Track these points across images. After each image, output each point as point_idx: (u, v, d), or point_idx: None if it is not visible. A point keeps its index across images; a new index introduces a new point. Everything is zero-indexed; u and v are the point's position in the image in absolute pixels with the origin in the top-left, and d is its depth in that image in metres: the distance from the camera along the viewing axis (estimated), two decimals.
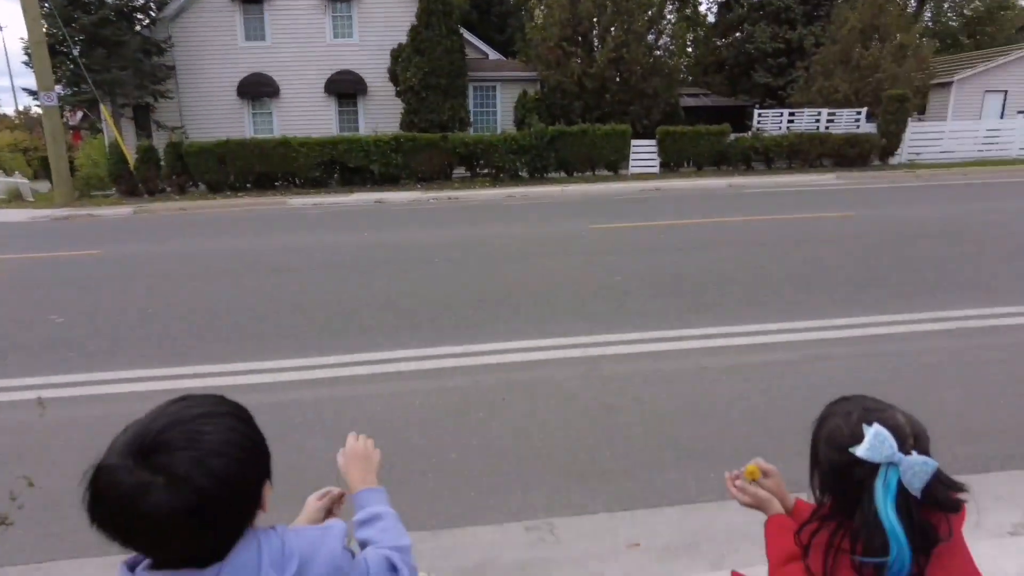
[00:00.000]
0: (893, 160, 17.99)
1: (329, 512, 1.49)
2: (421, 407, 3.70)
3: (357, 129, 19.67)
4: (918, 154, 18.32)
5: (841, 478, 1.23)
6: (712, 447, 3.18)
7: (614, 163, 16.86)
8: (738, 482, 1.62)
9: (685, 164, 17.48)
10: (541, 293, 5.97)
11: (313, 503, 1.48)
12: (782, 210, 10.59)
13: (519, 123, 17.42)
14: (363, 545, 1.27)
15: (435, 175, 16.01)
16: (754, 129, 18.85)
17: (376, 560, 1.18)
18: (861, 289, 5.77)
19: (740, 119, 21.61)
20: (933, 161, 18.06)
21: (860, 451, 1.18)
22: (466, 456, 3.18)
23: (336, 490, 1.50)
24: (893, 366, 4.07)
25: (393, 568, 1.19)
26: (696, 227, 9.32)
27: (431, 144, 15.65)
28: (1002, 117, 20.93)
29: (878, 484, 1.17)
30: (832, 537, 1.26)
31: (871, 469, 1.18)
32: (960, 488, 1.22)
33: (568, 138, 16.15)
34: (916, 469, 1.16)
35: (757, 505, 1.58)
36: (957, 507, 1.23)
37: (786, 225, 9.22)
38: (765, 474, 1.65)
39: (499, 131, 17.36)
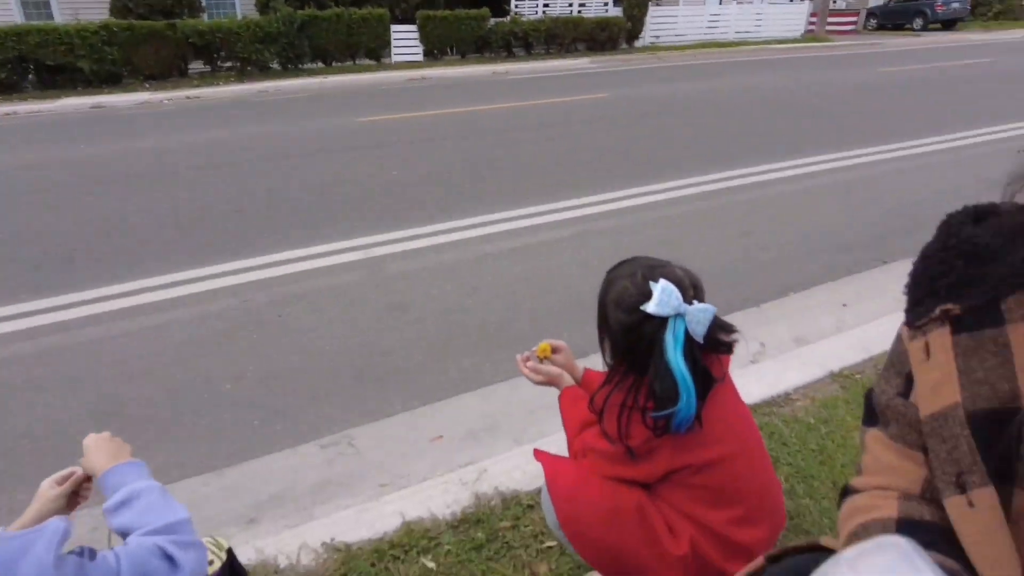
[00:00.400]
0: (638, 43, 19.34)
1: (75, 500, 1.16)
2: (183, 340, 3.23)
3: (51, 17, 15.86)
4: (658, 37, 19.89)
5: (632, 337, 1.25)
6: (501, 328, 3.23)
7: (375, 51, 15.83)
8: (529, 363, 1.60)
9: (448, 51, 17.03)
10: (311, 196, 5.49)
11: (49, 490, 1.11)
12: (543, 94, 10.89)
13: (263, 7, 15.35)
14: (124, 535, 0.99)
15: (166, 71, 13.67)
16: (512, 13, 18.85)
17: (135, 553, 0.90)
18: (618, 164, 6.19)
19: (498, 3, 21.42)
20: (671, 43, 19.79)
21: (650, 307, 1.19)
22: (244, 384, 2.87)
23: (81, 470, 1.15)
24: (653, 232, 4.46)
25: (166, 556, 0.92)
26: (465, 115, 9.21)
27: (155, 34, 13.21)
28: (720, 3, 23.42)
29: (668, 336, 1.19)
30: (625, 398, 1.29)
31: (660, 323, 1.20)
32: (733, 330, 1.30)
33: (322, 23, 14.68)
34: (699, 317, 1.20)
35: (550, 382, 1.58)
36: (731, 348, 1.31)
37: (548, 108, 9.51)
38: (555, 350, 1.65)
39: (239, 17, 15.14)
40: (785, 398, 2.34)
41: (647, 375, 1.22)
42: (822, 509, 1.79)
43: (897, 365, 0.79)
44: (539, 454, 1.47)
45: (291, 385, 2.85)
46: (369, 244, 4.33)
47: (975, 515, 0.68)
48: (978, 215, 0.76)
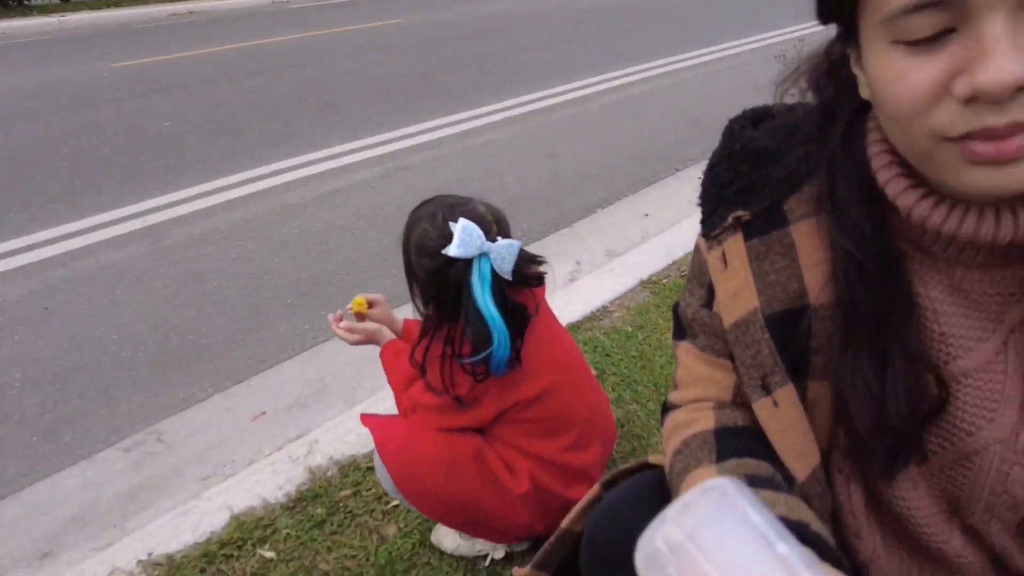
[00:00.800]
0: None
1: None
2: None
3: None
4: None
5: (438, 282, 1.19)
6: (316, 284, 3.02)
7: None
8: (343, 323, 1.48)
9: None
10: (63, 161, 4.65)
11: None
12: (332, 23, 10.13)
13: None
14: None
15: None
16: None
17: None
18: (419, 94, 5.97)
19: None
20: None
21: (452, 250, 1.13)
22: (11, 395, 2.41)
23: None
24: (462, 163, 4.39)
25: None
26: (245, 51, 8.30)
27: None
28: None
29: (474, 278, 1.15)
30: (444, 348, 1.23)
31: (465, 265, 1.15)
32: (541, 261, 1.28)
33: None
34: (504, 253, 1.16)
35: (368, 340, 1.48)
36: (541, 280, 1.29)
37: (340, 38, 8.88)
38: (371, 304, 1.54)
39: None
40: (603, 311, 2.44)
41: (460, 320, 1.17)
42: (648, 412, 1.91)
43: (699, 277, 0.80)
44: (366, 419, 1.38)
45: (75, 387, 2.44)
46: (146, 210, 3.77)
47: (779, 413, 0.71)
48: (756, 118, 0.76)
